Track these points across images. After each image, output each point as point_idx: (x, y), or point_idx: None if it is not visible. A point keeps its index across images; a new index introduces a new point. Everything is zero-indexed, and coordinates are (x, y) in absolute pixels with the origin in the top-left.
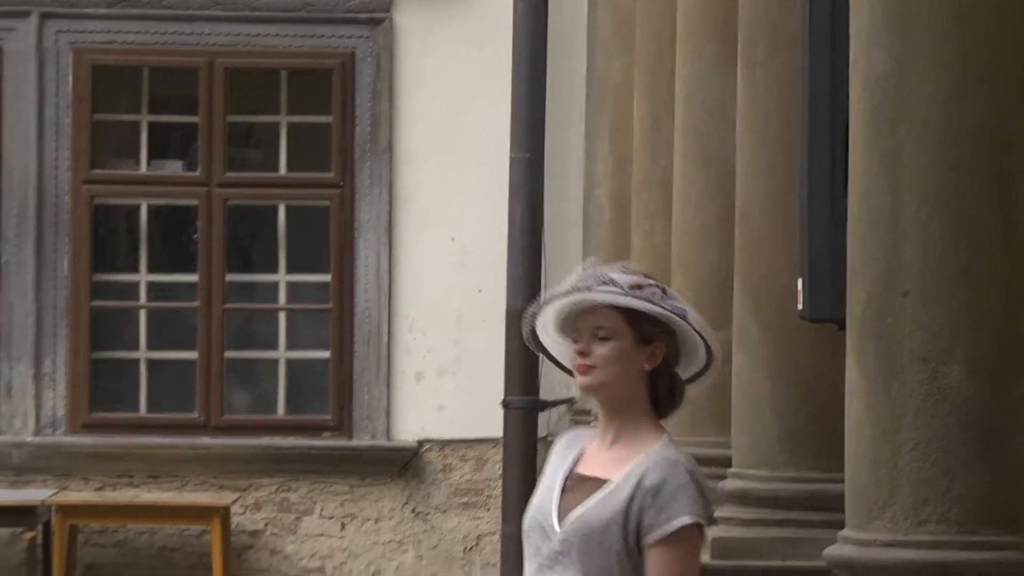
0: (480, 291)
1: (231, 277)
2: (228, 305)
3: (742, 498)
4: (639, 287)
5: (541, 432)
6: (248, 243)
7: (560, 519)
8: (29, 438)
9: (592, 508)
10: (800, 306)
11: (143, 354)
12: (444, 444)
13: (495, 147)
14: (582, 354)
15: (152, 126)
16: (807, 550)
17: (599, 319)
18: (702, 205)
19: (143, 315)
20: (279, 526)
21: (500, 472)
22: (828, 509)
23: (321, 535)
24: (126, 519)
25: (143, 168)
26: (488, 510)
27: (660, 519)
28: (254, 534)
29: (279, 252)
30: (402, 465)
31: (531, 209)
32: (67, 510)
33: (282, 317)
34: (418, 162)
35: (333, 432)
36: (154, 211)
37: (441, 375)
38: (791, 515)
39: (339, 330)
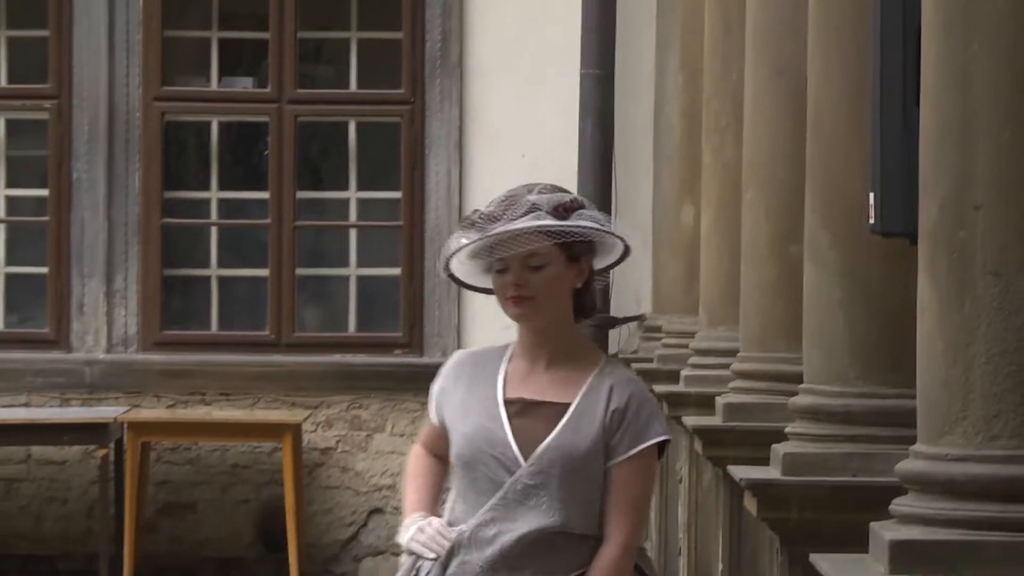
0: None
1: (302, 194)
2: (299, 222)
3: (813, 414)
4: (563, 207)
5: (612, 349)
6: (318, 160)
7: (523, 450)
8: (101, 356)
9: (565, 435)
10: (871, 220)
11: (214, 271)
12: None
13: (565, 63)
14: (517, 285)
15: (222, 42)
16: (878, 465)
17: (526, 245)
18: (773, 118)
19: (214, 232)
20: (350, 443)
21: None
22: (900, 424)
23: (392, 452)
24: (197, 436)
25: (214, 85)
26: None
27: (629, 439)
28: (325, 451)
29: (349, 169)
30: None
31: (601, 125)
32: (139, 427)
33: (353, 234)
34: (488, 78)
35: (404, 349)
36: (224, 128)
37: None
38: (862, 430)
39: (410, 247)
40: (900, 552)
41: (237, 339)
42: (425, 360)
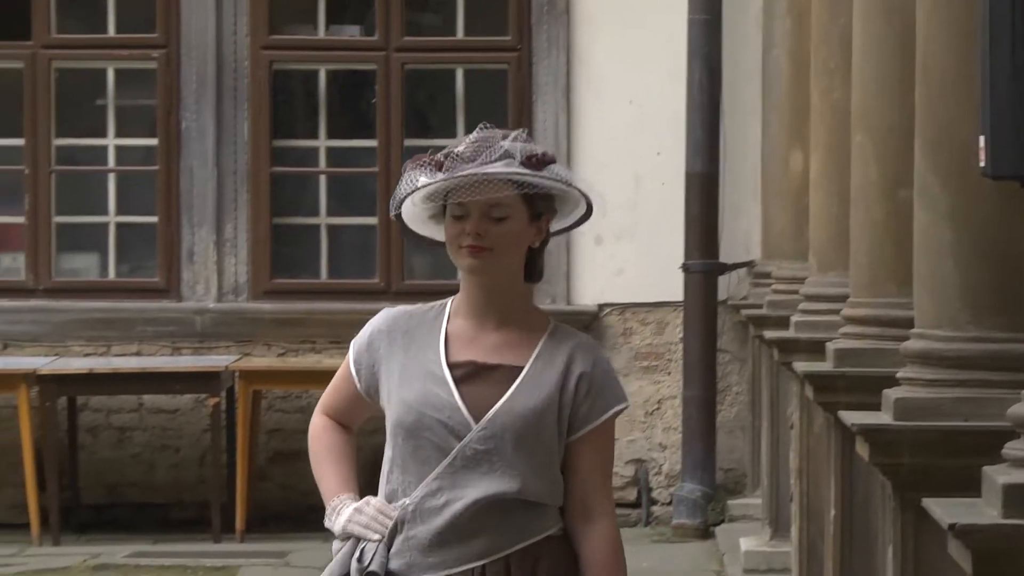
0: (658, 154)
1: (409, 142)
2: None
3: (924, 359)
4: (536, 159)
5: (721, 296)
6: (426, 107)
7: (473, 413)
8: (211, 304)
9: (518, 398)
10: (982, 163)
11: (323, 220)
12: (624, 308)
13: (672, 8)
14: (477, 235)
15: None
16: (990, 410)
17: (492, 192)
18: (882, 61)
19: (323, 181)
20: None
21: (681, 336)
22: (1011, 369)
23: None
24: (308, 384)
25: (321, 33)
26: (669, 374)
27: (595, 408)
28: None
29: (457, 116)
30: (582, 329)
31: (709, 70)
32: (250, 376)
33: None
34: (595, 24)
35: None
36: (332, 76)
37: (620, 239)
38: (974, 375)
39: None
40: (1014, 495)
41: (346, 287)
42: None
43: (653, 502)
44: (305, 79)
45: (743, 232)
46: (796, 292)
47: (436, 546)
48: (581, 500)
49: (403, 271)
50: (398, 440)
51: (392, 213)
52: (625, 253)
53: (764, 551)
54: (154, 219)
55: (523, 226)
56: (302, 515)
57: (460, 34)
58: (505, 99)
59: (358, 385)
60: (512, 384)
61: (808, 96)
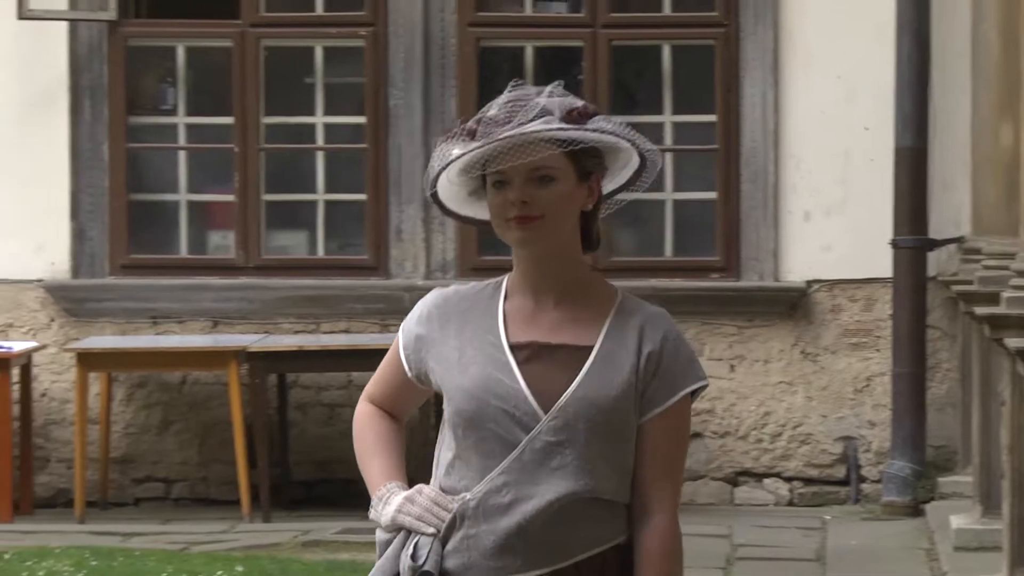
0: (867, 129)
1: (616, 118)
2: None
3: None
4: (577, 112)
5: (931, 272)
6: (632, 84)
7: (541, 401)
8: (420, 282)
9: (590, 383)
10: None
11: None
12: (832, 284)
13: None
14: (523, 203)
15: None
16: None
17: (539, 159)
18: None
19: None
20: None
21: (890, 312)
22: None
23: (710, 376)
24: None
25: (528, 10)
26: (878, 351)
27: (666, 386)
28: None
29: (664, 93)
30: (790, 306)
31: (918, 44)
32: None
33: (668, 158)
34: None
35: (721, 273)
36: (539, 53)
37: (828, 214)
38: None
39: (725, 170)
40: None
41: None
42: (742, 284)
43: (862, 479)
44: (512, 56)
45: (953, 207)
46: (1007, 268)
47: (500, 549)
48: (639, 492)
49: (611, 248)
50: (457, 432)
51: (428, 192)
52: (834, 229)
53: (975, 528)
54: (362, 197)
55: (572, 187)
56: None
57: (667, 10)
58: (712, 75)
59: (408, 371)
60: (582, 366)
61: (1019, 70)
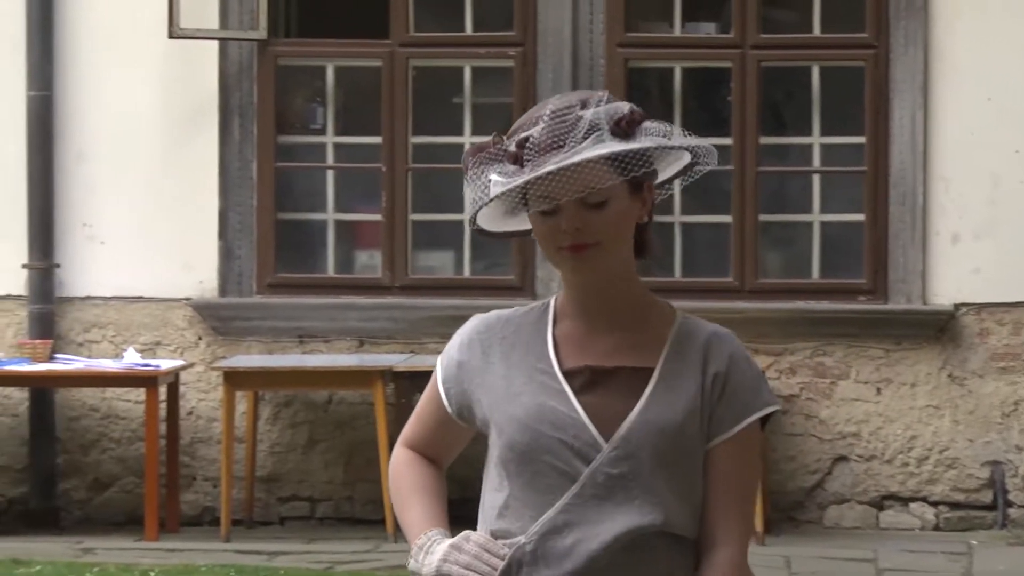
0: (1017, 152)
1: (764, 140)
2: (762, 168)
3: None
4: (625, 121)
5: None
6: (781, 105)
7: (601, 430)
8: None
9: (653, 408)
10: None
11: (677, 218)
12: (980, 307)
13: None
14: (577, 230)
15: None
16: None
17: (586, 180)
18: None
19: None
20: (814, 391)
21: None
22: None
23: (856, 400)
24: None
25: (677, 31)
26: None
27: (735, 410)
28: (789, 399)
29: (812, 114)
30: (938, 329)
31: None
32: None
33: (816, 180)
34: (954, 20)
35: (868, 295)
36: (687, 73)
37: (977, 237)
38: None
39: (873, 192)
40: None
41: (700, 285)
42: (890, 307)
43: (1009, 504)
44: (660, 77)
45: None
46: None
47: None
48: (705, 523)
49: (757, 269)
50: (509, 468)
51: (470, 227)
52: (982, 252)
53: None
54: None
55: (626, 204)
56: None
57: (816, 31)
58: (861, 97)
59: (448, 407)
60: (643, 391)
61: None
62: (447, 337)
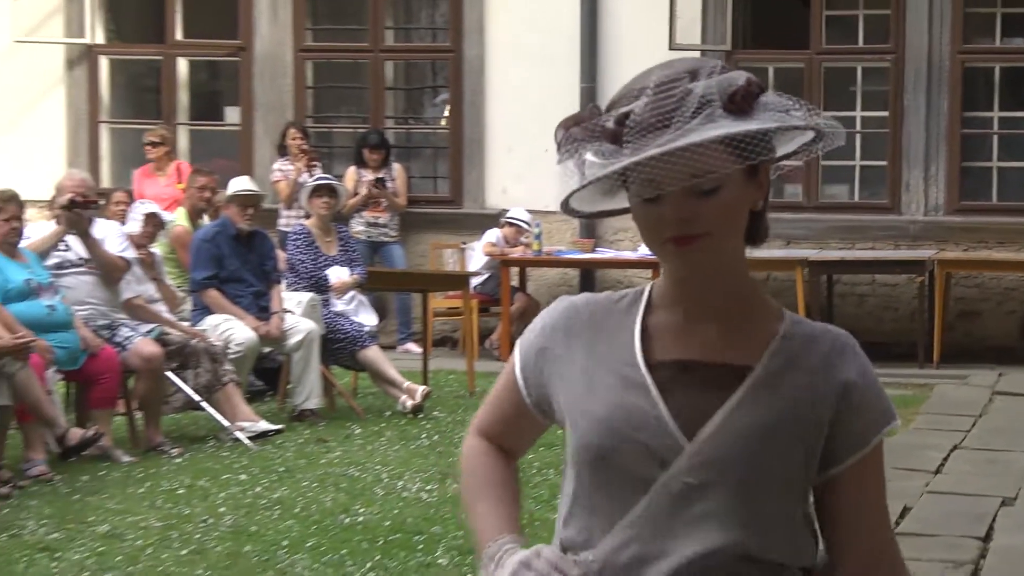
0: None
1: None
2: None
3: None
4: (740, 95)
5: None
6: None
7: (686, 430)
8: (920, 217)
9: (745, 409)
10: None
11: (994, 164)
12: None
13: None
14: (684, 220)
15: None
16: None
17: (696, 165)
18: None
19: (994, 141)
20: None
21: None
22: None
23: None
24: (981, 269)
25: (997, 42)
26: None
27: (866, 429)
28: None
29: None
30: None
31: None
32: (944, 263)
33: None
34: None
35: None
36: (1004, 72)
37: None
38: None
39: None
40: None
41: (1016, 208)
42: None
43: None
44: (984, 74)
45: None
46: None
47: None
48: (869, 554)
49: None
50: (582, 471)
51: (563, 209)
52: None
53: None
54: (884, 163)
55: (740, 190)
56: (979, 354)
57: None
58: None
59: (526, 398)
60: (739, 389)
61: None
62: (844, 239)
